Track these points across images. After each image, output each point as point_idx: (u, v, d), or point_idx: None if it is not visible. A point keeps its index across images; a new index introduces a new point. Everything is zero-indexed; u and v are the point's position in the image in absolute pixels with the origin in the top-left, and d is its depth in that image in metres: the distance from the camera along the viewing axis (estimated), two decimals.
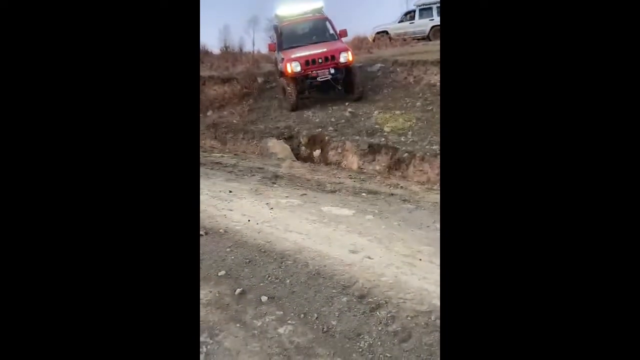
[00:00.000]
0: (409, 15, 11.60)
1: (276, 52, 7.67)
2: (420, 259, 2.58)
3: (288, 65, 6.74)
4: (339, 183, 4.35)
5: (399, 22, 11.68)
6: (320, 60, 6.76)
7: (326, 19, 7.78)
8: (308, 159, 6.11)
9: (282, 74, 7.11)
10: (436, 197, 3.89)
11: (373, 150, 5.58)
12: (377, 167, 5.55)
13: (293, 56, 6.90)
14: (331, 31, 7.64)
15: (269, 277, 2.41)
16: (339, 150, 6.02)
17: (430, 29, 10.98)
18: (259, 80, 8.40)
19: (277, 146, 6.28)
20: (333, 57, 6.78)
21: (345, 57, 6.78)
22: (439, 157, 5.21)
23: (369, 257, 2.60)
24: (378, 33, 11.66)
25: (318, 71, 6.80)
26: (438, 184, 4.70)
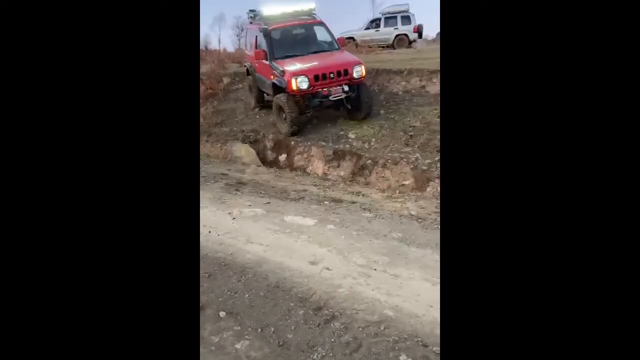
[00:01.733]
0: (375, 23, 11.94)
1: (267, 61, 6.23)
2: (375, 269, 2.71)
3: (293, 80, 5.48)
4: (304, 190, 4.43)
5: (365, 29, 11.98)
6: (332, 75, 5.58)
7: (322, 23, 6.63)
8: (274, 163, 6.15)
9: (272, 85, 5.91)
10: (395, 205, 4.06)
11: (338, 156, 5.70)
12: (342, 173, 5.68)
13: (296, 69, 5.61)
14: (329, 38, 6.54)
15: (228, 291, 2.45)
16: (305, 156, 6.10)
17: (395, 38, 11.46)
18: (225, 80, 8.32)
19: (242, 150, 6.27)
20: (346, 72, 5.61)
21: (358, 72, 5.68)
22: (399, 164, 5.41)
23: (328, 269, 2.70)
24: (345, 39, 11.96)
25: (330, 88, 5.62)
26: (397, 192, 4.89)
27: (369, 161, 5.53)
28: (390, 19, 11.67)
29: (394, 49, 10.76)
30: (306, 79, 5.52)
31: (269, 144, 6.34)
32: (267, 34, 6.31)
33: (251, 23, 7.33)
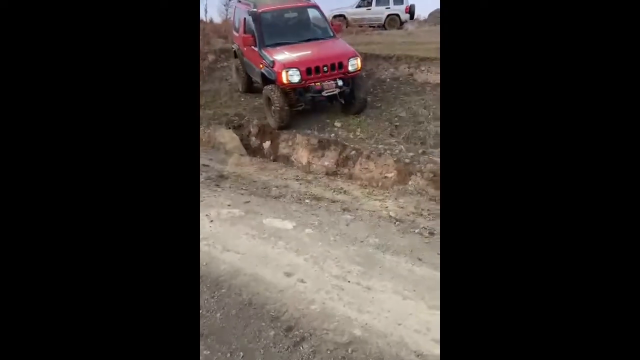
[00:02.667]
0: (367, 1, 11.56)
1: (256, 48, 5.75)
2: (349, 281, 2.76)
3: (283, 73, 5.09)
4: (285, 186, 4.41)
5: (357, 7, 11.61)
6: (325, 69, 5.17)
7: (316, 7, 6.11)
8: (258, 150, 6.06)
9: (265, 76, 5.44)
10: (375, 203, 4.08)
11: (322, 145, 5.63)
12: (326, 163, 5.64)
13: (287, 60, 5.20)
14: (323, 24, 5.97)
15: (201, 310, 2.48)
16: (290, 143, 6.01)
17: (386, 18, 11.12)
18: (209, 58, 8.02)
19: (225, 136, 6.15)
20: (340, 65, 5.20)
21: (354, 65, 5.27)
22: (383, 156, 5.38)
23: (302, 281, 2.74)
24: (335, 16, 11.58)
25: (323, 82, 5.22)
26: (380, 184, 4.89)
27: (353, 152, 5.48)
28: None
29: (385, 29, 10.46)
30: (298, 72, 5.11)
31: (254, 130, 6.22)
32: (256, 18, 5.77)
33: (240, 1, 6.74)
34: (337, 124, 6.04)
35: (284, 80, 5.14)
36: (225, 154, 5.57)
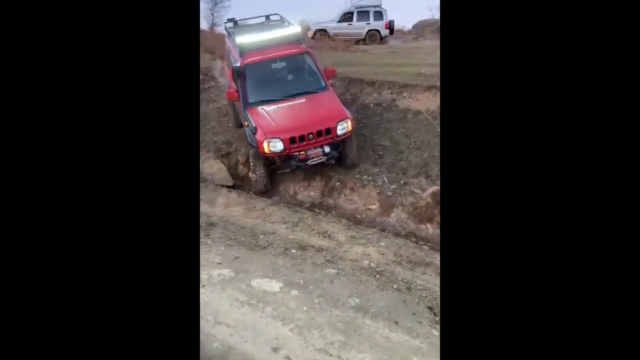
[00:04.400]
0: (347, 16, 11.94)
1: (240, 105, 5.37)
2: (330, 355, 3.04)
3: (265, 143, 4.82)
4: (272, 233, 4.62)
5: (338, 22, 11.93)
6: (311, 137, 4.85)
7: (308, 52, 5.59)
8: (245, 178, 6.22)
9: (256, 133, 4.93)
10: (357, 250, 4.32)
11: (308, 176, 5.80)
12: (312, 194, 5.83)
13: (269, 128, 4.84)
14: (315, 72, 5.41)
15: None
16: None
17: (367, 33, 11.62)
18: None
19: (214, 166, 6.28)
20: (328, 131, 4.85)
21: (344, 129, 4.91)
22: (366, 187, 5.58)
23: (288, 358, 3.02)
24: (318, 30, 11.88)
25: (308, 152, 4.93)
26: (362, 223, 5.11)
27: (338, 183, 5.67)
28: (362, 13, 11.73)
29: (366, 43, 10.84)
30: (281, 142, 4.82)
31: (241, 159, 6.36)
32: (239, 73, 5.31)
33: (229, 37, 6.07)
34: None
35: (266, 150, 4.90)
36: (214, 189, 5.73)
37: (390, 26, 11.67)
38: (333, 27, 11.86)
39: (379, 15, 11.64)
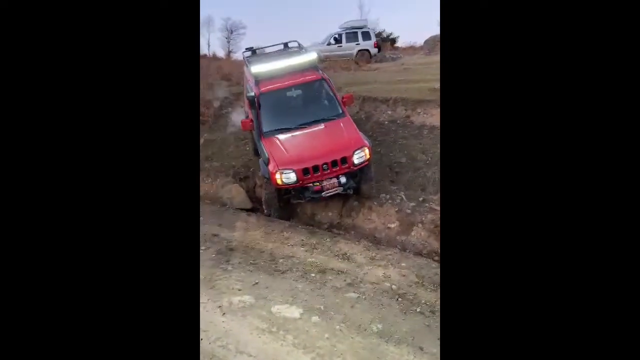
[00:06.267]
0: (335, 39, 12.94)
1: (253, 133, 5.35)
2: None
3: (277, 174, 4.65)
4: (291, 256, 4.61)
5: (327, 44, 12.90)
6: (325, 167, 4.63)
7: (323, 78, 5.43)
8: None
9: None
10: (378, 272, 4.25)
11: (326, 197, 5.80)
12: (330, 214, 5.81)
13: (282, 159, 4.69)
14: (331, 99, 5.25)
15: None
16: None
17: (357, 52, 12.71)
18: (214, 104, 8.18)
19: (232, 190, 6.38)
20: (344, 160, 4.63)
21: (361, 158, 4.69)
22: (384, 205, 5.52)
23: None
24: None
25: (323, 183, 4.74)
26: (383, 243, 5.04)
27: (356, 202, 5.64)
28: (351, 34, 12.76)
29: (357, 63, 11.68)
30: (293, 173, 4.63)
31: (259, 182, 6.43)
32: (254, 102, 5.21)
33: (247, 66, 5.93)
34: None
35: (278, 182, 4.73)
36: (233, 213, 5.80)
37: (378, 45, 13.07)
38: (323, 49, 12.52)
39: (366, 35, 12.80)
